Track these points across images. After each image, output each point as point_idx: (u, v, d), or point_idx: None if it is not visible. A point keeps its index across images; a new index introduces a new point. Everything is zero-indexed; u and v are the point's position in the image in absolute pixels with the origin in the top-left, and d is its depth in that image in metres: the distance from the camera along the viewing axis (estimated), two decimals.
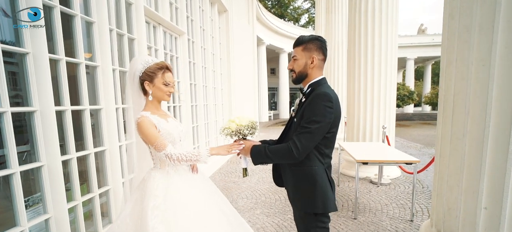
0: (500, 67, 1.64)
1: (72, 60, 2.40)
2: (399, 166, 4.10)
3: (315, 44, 1.57)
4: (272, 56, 22.97)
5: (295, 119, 1.60)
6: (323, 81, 1.61)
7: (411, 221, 3.20)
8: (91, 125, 2.61)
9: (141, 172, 1.80)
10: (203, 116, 5.52)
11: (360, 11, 4.99)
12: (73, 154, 2.34)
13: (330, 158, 1.65)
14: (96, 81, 2.68)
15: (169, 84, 1.69)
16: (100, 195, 2.66)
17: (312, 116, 1.46)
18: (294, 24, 33.96)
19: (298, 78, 1.64)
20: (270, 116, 19.93)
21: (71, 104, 2.35)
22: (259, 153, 1.60)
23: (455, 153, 1.93)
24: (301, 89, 1.67)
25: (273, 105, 27.57)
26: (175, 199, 1.57)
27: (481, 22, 1.72)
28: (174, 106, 4.41)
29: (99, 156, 2.70)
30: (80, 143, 2.54)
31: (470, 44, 1.79)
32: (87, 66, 2.59)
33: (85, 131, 2.54)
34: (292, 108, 1.72)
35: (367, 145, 4.41)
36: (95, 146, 2.64)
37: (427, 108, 25.98)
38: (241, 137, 1.69)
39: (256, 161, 1.64)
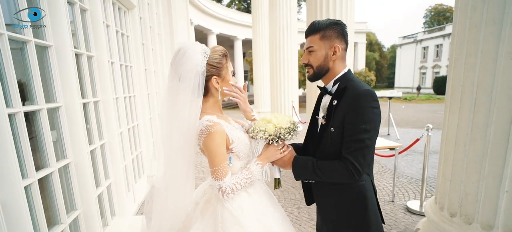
0: None
1: (16, 35, 1.61)
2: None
3: (335, 31, 1.28)
4: (199, 37, 21.90)
5: (332, 128, 1.27)
6: (351, 75, 1.32)
7: (392, 201, 3.43)
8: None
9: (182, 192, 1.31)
10: (157, 106, 4.77)
11: None
12: (32, 178, 1.61)
13: (372, 165, 1.44)
14: (49, 68, 1.91)
15: (233, 74, 1.33)
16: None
17: (360, 123, 1.18)
18: (217, 2, 32.84)
19: (317, 74, 1.33)
20: None
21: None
22: (305, 168, 1.31)
23: (476, 142, 2.04)
24: (323, 88, 1.38)
25: None
26: (265, 226, 1.25)
27: None
28: (129, 96, 3.61)
29: (62, 172, 1.96)
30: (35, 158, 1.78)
31: (500, 37, 1.85)
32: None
33: (41, 140, 1.79)
34: (322, 115, 1.37)
35: None
36: (57, 160, 1.89)
37: None
38: (279, 141, 1.34)
39: (299, 176, 1.35)
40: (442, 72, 31.02)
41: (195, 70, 1.18)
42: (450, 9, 43.67)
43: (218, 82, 1.25)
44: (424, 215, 3.00)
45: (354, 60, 27.96)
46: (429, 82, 32.63)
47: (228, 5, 34.59)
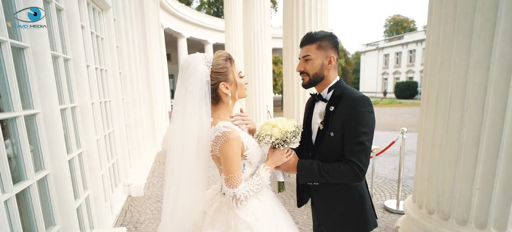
0: (497, 71, 1.93)
1: None
2: None
3: (330, 42, 1.36)
4: (169, 40, 21.36)
5: (331, 133, 1.33)
6: (343, 83, 1.42)
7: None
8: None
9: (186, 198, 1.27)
10: (132, 112, 4.56)
11: (297, 5, 5.11)
12: (10, 192, 1.46)
13: None
14: (25, 71, 1.76)
15: (242, 75, 1.32)
16: None
17: (360, 127, 1.27)
18: (186, 5, 32.25)
19: (312, 81, 1.40)
20: (172, 105, 18.65)
21: None
22: (311, 171, 1.34)
23: (451, 144, 2.21)
24: (316, 95, 1.46)
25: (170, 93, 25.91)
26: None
27: (480, 31, 1.97)
28: (105, 102, 3.41)
29: (40, 184, 1.80)
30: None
31: (470, 49, 2.03)
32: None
33: (18, 150, 1.63)
34: (319, 121, 1.42)
35: None
36: (35, 171, 1.74)
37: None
38: (284, 145, 1.35)
39: (304, 179, 1.39)
40: (402, 78, 33.25)
41: (200, 80, 1.18)
42: (406, 20, 47.17)
43: (227, 87, 1.24)
44: (401, 214, 3.18)
45: None
46: (390, 87, 34.78)
47: (198, 9, 34.17)
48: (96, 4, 3.44)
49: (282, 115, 6.02)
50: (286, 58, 5.46)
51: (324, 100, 1.41)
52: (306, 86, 1.44)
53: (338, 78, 1.42)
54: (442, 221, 2.28)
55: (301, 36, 5.26)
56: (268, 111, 8.12)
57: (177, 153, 1.21)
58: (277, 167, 1.40)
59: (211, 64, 1.22)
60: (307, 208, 3.00)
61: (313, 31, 1.39)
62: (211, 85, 1.21)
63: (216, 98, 1.25)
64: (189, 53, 23.07)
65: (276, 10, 34.53)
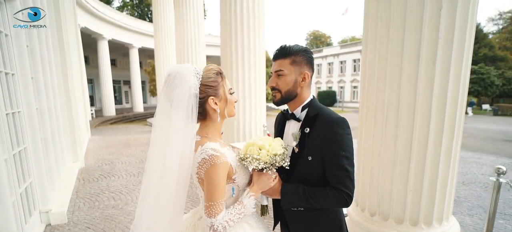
0: (423, 87, 2.24)
1: None
2: None
3: (305, 58, 1.29)
4: (88, 42, 19.05)
5: (309, 157, 1.25)
6: (317, 102, 1.35)
7: None
8: None
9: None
10: (49, 124, 3.82)
11: (235, 13, 5.09)
12: None
13: None
14: None
15: (232, 92, 1.24)
16: None
17: (340, 151, 1.21)
18: (106, 4, 29.15)
19: (284, 99, 1.31)
20: (92, 114, 16.48)
21: None
22: (296, 197, 1.25)
23: (387, 152, 2.46)
24: (291, 114, 1.37)
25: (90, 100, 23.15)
26: None
27: (409, 52, 2.27)
28: (13, 112, 2.76)
29: None
30: None
31: (401, 66, 2.30)
32: None
33: None
34: (294, 143, 1.30)
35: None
36: None
37: None
38: (271, 169, 1.23)
39: (287, 204, 1.28)
40: (323, 87, 36.68)
41: (188, 93, 1.06)
42: (324, 35, 52.62)
43: (216, 103, 1.14)
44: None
45: None
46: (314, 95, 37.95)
47: (119, 10, 31.39)
48: None
49: None
50: (224, 66, 5.38)
51: (297, 120, 1.33)
52: (277, 103, 1.34)
53: (312, 97, 1.35)
54: (382, 221, 2.51)
55: (240, 42, 5.24)
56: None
57: (156, 173, 1.07)
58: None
59: (201, 76, 1.11)
60: None
61: (287, 44, 1.30)
62: (199, 98, 1.10)
63: (203, 114, 1.14)
64: (111, 56, 21.04)
65: (205, 17, 34.30)
